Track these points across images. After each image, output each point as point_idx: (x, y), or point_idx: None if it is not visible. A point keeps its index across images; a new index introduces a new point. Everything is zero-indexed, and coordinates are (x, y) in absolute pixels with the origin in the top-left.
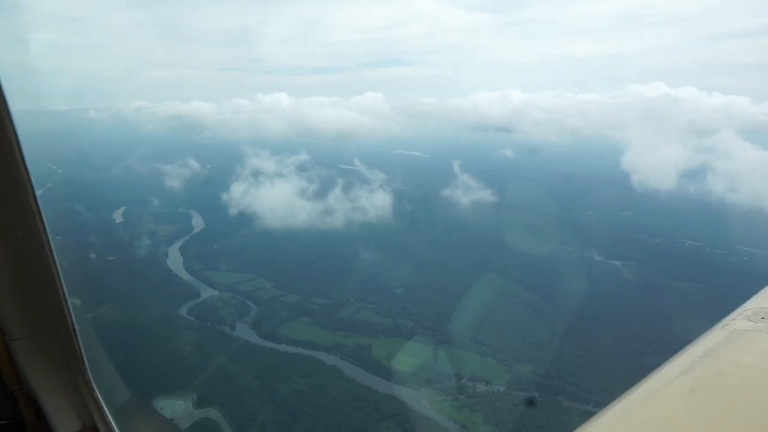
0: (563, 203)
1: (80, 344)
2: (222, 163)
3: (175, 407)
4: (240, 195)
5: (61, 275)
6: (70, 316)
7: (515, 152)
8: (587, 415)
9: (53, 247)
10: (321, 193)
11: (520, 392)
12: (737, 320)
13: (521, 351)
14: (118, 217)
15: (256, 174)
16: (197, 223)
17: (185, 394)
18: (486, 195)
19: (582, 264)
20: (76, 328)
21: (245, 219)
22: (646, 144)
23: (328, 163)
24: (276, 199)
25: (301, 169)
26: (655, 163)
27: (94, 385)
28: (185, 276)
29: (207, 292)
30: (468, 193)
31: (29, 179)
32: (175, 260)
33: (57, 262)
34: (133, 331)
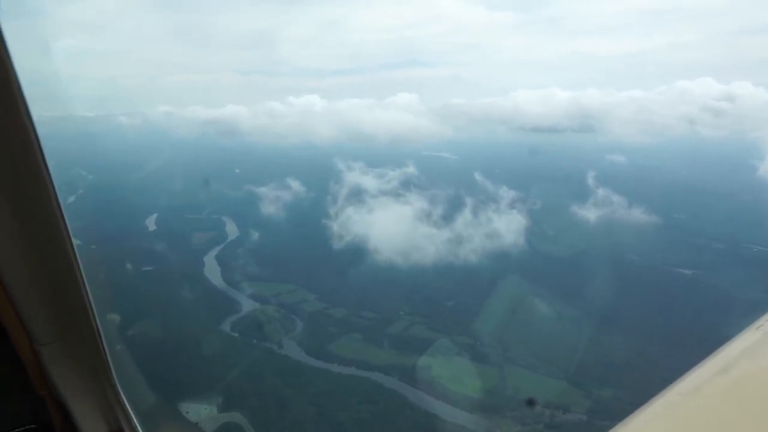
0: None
1: (106, 349)
2: (250, 166)
3: None
4: (270, 200)
5: (85, 280)
6: (95, 321)
7: (627, 157)
8: None
9: (76, 252)
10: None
11: (606, 422)
12: None
13: (597, 372)
14: (150, 224)
15: (298, 180)
16: (231, 229)
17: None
18: (616, 208)
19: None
20: (102, 333)
21: (278, 225)
22: None
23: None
24: (324, 206)
25: (359, 172)
26: None
27: (121, 390)
28: (223, 287)
29: (248, 305)
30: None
31: (52, 184)
32: (211, 270)
33: (81, 267)
34: (182, 351)
